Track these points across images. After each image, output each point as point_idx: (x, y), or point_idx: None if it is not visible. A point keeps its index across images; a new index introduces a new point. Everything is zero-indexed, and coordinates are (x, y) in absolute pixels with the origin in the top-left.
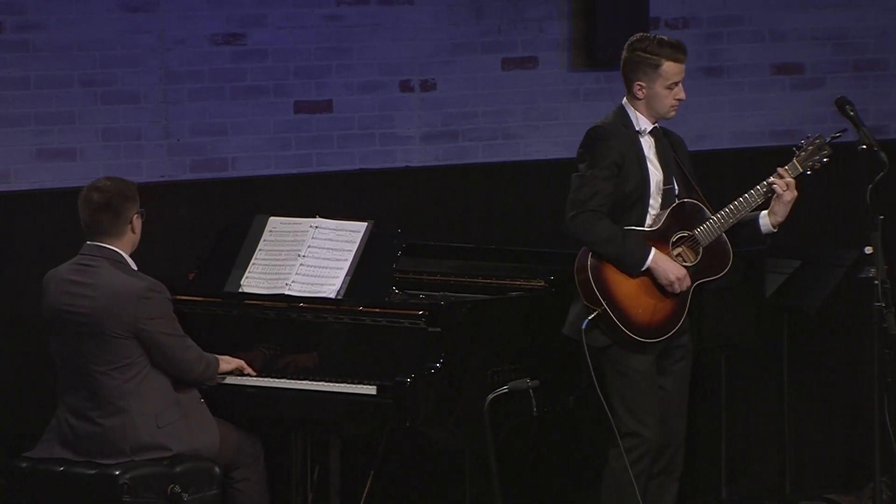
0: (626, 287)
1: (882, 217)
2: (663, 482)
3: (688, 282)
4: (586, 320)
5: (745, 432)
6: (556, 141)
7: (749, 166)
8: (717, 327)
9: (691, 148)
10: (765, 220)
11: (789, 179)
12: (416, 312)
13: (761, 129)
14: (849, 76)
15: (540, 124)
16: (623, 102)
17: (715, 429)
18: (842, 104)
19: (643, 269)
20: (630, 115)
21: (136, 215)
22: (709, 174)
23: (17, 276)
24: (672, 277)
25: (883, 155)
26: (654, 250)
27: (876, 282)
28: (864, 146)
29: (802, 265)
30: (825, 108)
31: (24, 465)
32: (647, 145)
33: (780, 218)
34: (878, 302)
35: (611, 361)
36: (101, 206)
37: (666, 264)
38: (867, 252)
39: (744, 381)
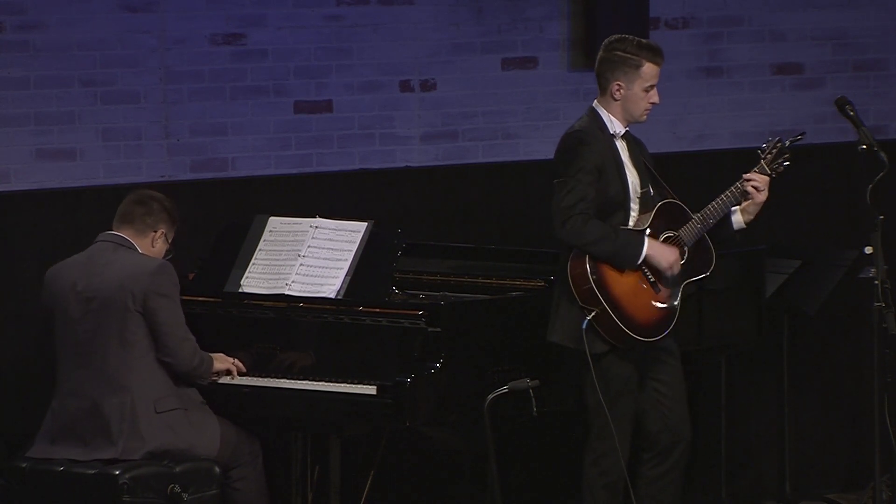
0: (622, 287)
1: (882, 217)
2: (674, 478)
3: (679, 265)
4: (586, 320)
5: (745, 432)
6: (555, 141)
7: (749, 166)
8: (717, 327)
9: (691, 148)
10: (737, 216)
11: (761, 182)
12: (416, 312)
13: (761, 129)
14: (849, 76)
15: (540, 124)
16: (594, 105)
17: (715, 429)
18: (842, 104)
19: (641, 260)
20: (603, 117)
21: (163, 233)
22: (709, 174)
23: (17, 276)
24: (670, 261)
25: (883, 155)
26: (647, 239)
27: (876, 282)
28: (864, 146)
29: (802, 265)
30: (825, 108)
31: (24, 465)
32: (622, 148)
33: (751, 216)
34: (878, 302)
35: (597, 369)
36: (141, 200)
37: (662, 250)
38: (867, 252)
39: (744, 381)
